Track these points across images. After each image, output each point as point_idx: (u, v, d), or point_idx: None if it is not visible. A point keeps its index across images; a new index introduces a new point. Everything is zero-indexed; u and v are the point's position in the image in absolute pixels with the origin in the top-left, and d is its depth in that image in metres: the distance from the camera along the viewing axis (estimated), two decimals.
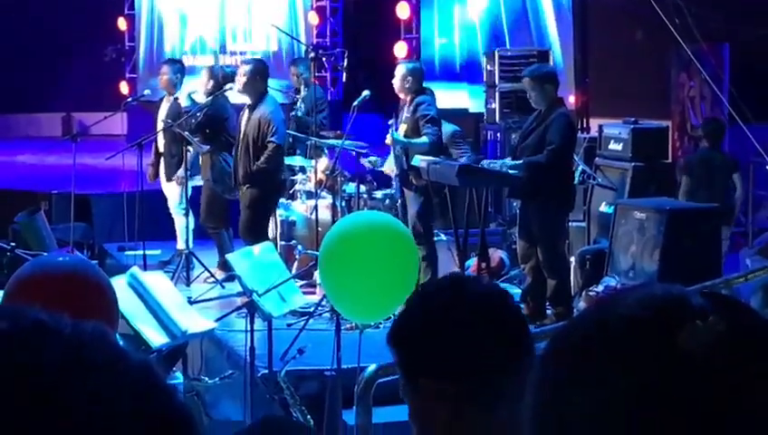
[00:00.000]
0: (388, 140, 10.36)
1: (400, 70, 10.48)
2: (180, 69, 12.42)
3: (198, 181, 11.89)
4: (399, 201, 10.74)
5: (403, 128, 10.44)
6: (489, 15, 16.36)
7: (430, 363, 2.27)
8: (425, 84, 10.72)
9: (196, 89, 12.05)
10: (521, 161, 9.61)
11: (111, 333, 0.99)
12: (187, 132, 11.36)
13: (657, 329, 1.10)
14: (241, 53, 18.73)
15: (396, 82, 10.48)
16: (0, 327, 0.94)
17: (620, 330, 1.11)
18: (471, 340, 2.26)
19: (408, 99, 10.42)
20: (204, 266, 11.45)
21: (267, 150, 10.71)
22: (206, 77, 11.85)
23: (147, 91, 14.17)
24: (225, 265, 10.74)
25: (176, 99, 11.97)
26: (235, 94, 11.36)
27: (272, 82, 11.78)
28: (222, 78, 11.75)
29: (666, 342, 1.09)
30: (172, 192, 12.03)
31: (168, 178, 11.99)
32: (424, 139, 10.18)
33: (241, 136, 10.89)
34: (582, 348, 1.13)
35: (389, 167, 10.73)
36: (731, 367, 1.07)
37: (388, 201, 11.07)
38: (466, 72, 16.18)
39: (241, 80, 10.90)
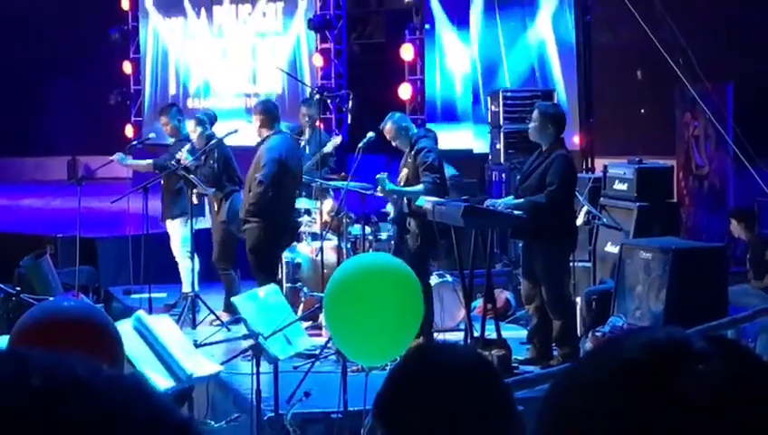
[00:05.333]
0: (380, 192, 10.39)
1: (390, 127, 10.49)
2: (177, 111, 12.51)
3: (203, 223, 11.90)
4: (393, 242, 10.74)
5: (404, 172, 10.45)
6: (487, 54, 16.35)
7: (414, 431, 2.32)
8: (428, 126, 10.72)
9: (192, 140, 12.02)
10: (521, 201, 9.61)
11: (151, 388, 0.94)
12: (193, 176, 11.38)
13: (657, 372, 1.10)
14: (246, 96, 18.80)
15: (395, 142, 10.53)
16: (33, 384, 0.89)
17: (621, 373, 1.11)
18: (445, 406, 2.30)
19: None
20: (209, 309, 11.44)
21: (254, 188, 10.89)
22: (194, 124, 11.81)
23: (152, 135, 14.18)
24: (230, 308, 10.74)
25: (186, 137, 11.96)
26: (237, 137, 11.57)
27: None
28: (209, 122, 11.79)
29: (664, 385, 1.09)
30: (174, 231, 12.03)
31: (170, 216, 11.99)
32: (419, 187, 10.19)
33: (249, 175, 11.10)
34: (583, 391, 1.13)
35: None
36: (729, 412, 1.07)
37: (392, 243, 11.07)
38: (475, 113, 16.18)
39: (256, 124, 11.07)
